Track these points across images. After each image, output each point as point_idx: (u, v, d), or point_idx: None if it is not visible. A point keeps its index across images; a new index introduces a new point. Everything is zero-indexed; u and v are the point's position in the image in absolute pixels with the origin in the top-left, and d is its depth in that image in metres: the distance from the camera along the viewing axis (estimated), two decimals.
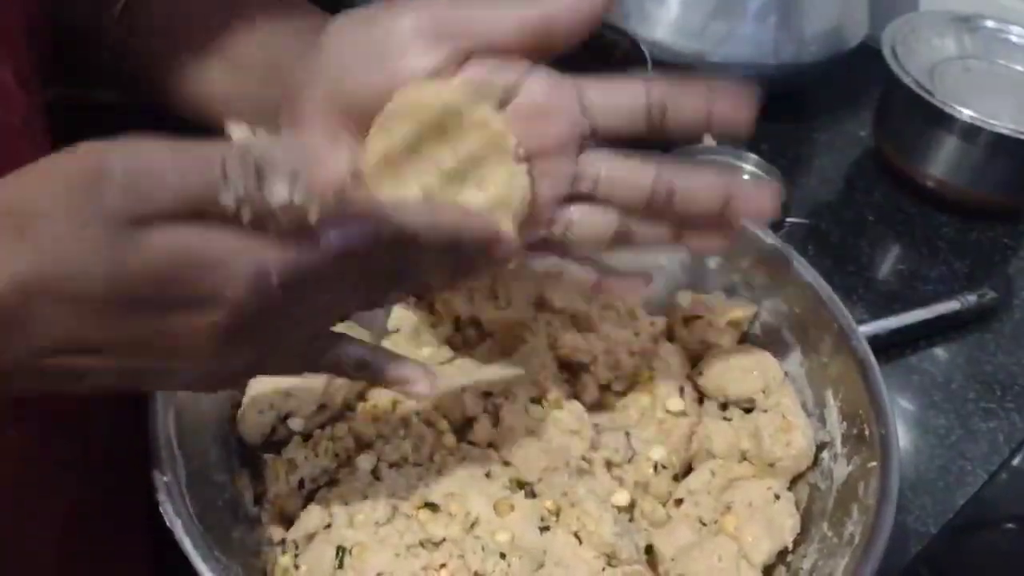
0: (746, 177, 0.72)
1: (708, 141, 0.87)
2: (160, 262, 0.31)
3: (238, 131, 0.32)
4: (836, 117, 0.96)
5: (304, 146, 0.33)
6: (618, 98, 0.43)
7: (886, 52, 0.84)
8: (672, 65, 0.86)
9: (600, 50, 0.87)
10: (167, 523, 0.42)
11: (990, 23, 0.90)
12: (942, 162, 0.84)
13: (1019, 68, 0.87)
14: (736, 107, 0.43)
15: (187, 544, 0.41)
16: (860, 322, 0.67)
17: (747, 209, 0.45)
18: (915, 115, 0.83)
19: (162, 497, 0.43)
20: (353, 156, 0.32)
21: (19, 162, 0.32)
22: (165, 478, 0.44)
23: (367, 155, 0.42)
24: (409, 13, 0.41)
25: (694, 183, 0.44)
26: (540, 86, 0.42)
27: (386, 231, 0.36)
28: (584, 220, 0.44)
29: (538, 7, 0.41)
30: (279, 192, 0.31)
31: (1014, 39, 0.89)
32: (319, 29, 0.43)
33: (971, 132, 0.80)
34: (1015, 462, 0.67)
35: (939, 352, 0.74)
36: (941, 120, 0.81)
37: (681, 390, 0.57)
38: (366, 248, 0.35)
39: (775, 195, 0.45)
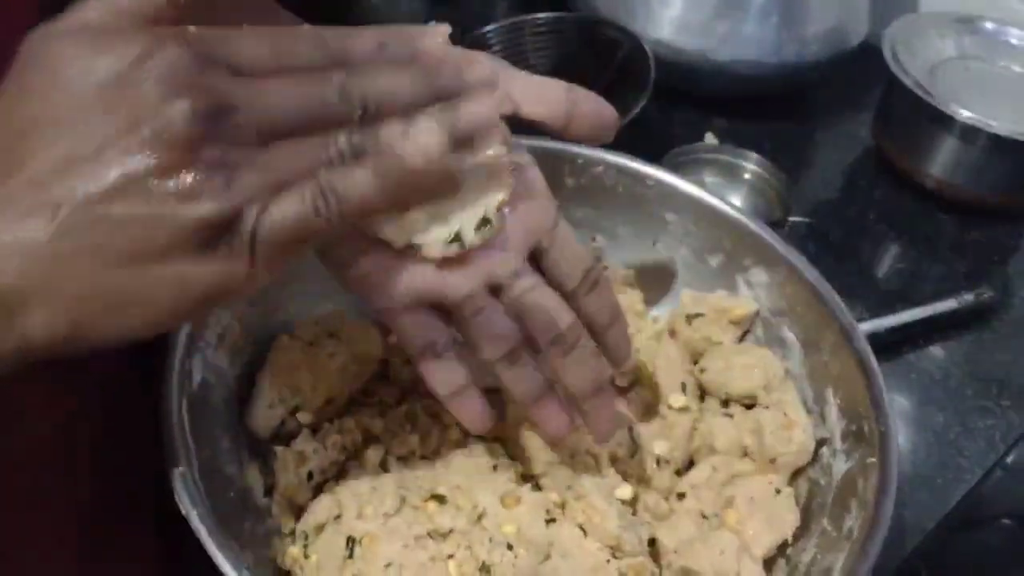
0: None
1: (710, 140, 0.88)
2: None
3: None
4: (837, 116, 0.97)
5: None
6: (574, 247, 0.46)
7: (886, 53, 0.85)
8: (675, 63, 0.87)
9: (603, 48, 0.88)
10: (183, 512, 0.43)
11: (990, 24, 0.91)
12: (941, 162, 0.85)
13: (1018, 69, 0.88)
14: (622, 343, 0.48)
15: (203, 533, 0.42)
16: (860, 320, 0.68)
17: (597, 420, 0.47)
18: (915, 115, 0.84)
19: (178, 487, 0.44)
20: None
21: None
22: (180, 469, 0.45)
23: None
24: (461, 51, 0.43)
25: (589, 355, 0.46)
26: (537, 177, 0.45)
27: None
28: (494, 317, 0.43)
29: (572, 98, 0.44)
30: None
31: (1014, 40, 0.90)
32: None
33: (970, 133, 0.81)
34: (1011, 459, 0.68)
35: (938, 350, 0.75)
36: (941, 121, 0.82)
37: (684, 386, 0.58)
38: None
39: (614, 428, 0.49)
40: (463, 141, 0.38)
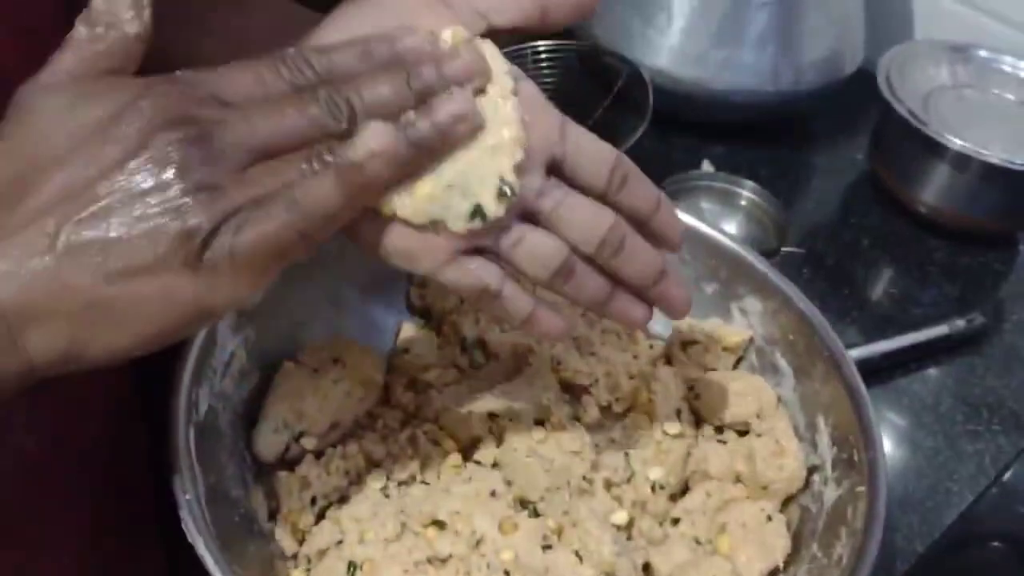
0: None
1: (707, 167, 0.89)
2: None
3: None
4: (833, 142, 0.99)
5: None
6: (592, 148, 0.44)
7: (881, 81, 0.86)
8: (673, 91, 0.89)
9: (602, 76, 0.89)
10: (189, 539, 0.44)
11: (983, 52, 0.92)
12: (935, 188, 0.86)
13: (1011, 97, 0.89)
14: (670, 226, 0.47)
15: (209, 560, 0.43)
16: (853, 345, 0.69)
17: (668, 300, 0.47)
18: (909, 143, 0.85)
19: (184, 514, 0.45)
20: None
21: None
22: (187, 496, 0.46)
23: None
24: None
25: (640, 248, 0.45)
26: (533, 93, 0.43)
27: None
28: (534, 240, 0.43)
29: None
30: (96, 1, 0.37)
31: (1007, 68, 0.91)
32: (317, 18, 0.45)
33: (962, 161, 0.82)
34: (1001, 483, 0.69)
35: (929, 375, 0.76)
36: (934, 148, 0.83)
37: (678, 413, 0.60)
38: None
39: (688, 305, 0.49)
40: (444, 132, 0.39)
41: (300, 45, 0.40)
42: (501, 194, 0.40)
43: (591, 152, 0.44)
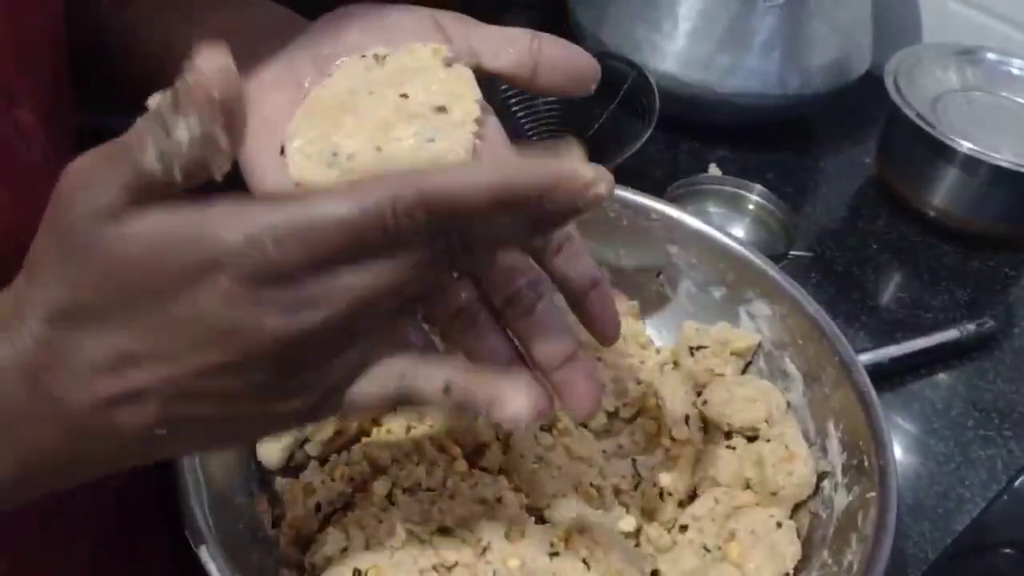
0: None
1: (713, 171, 0.89)
2: (139, 246, 0.31)
3: (153, 100, 0.30)
4: (840, 146, 0.98)
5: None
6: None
7: (889, 84, 0.86)
8: (679, 95, 0.88)
9: (608, 80, 0.89)
10: (193, 547, 0.44)
11: (992, 55, 0.92)
12: (944, 192, 0.85)
13: (1020, 100, 0.89)
14: (606, 313, 0.43)
15: (212, 568, 0.43)
16: (863, 350, 0.69)
17: (571, 390, 0.40)
18: (917, 146, 0.85)
19: (188, 523, 0.45)
20: (222, 50, 0.29)
21: (41, 199, 0.33)
22: (191, 502, 0.45)
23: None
24: (420, 10, 0.42)
25: (553, 319, 0.40)
26: (496, 131, 0.41)
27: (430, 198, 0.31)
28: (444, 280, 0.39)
29: (537, 45, 0.41)
30: (179, 127, 0.29)
31: (1016, 71, 0.91)
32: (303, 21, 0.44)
33: (972, 164, 0.82)
34: (1013, 488, 0.69)
35: (939, 379, 0.76)
36: (942, 152, 0.83)
37: (686, 418, 0.59)
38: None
39: (596, 401, 0.41)
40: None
41: (411, 188, 0.31)
42: None
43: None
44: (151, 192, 0.30)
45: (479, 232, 0.32)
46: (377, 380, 0.35)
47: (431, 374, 0.35)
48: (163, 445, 0.34)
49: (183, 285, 0.30)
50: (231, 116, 0.30)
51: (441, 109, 0.39)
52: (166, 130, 0.29)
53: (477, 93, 0.40)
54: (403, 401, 0.36)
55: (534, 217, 0.32)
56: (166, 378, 0.32)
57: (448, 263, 0.33)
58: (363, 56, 0.42)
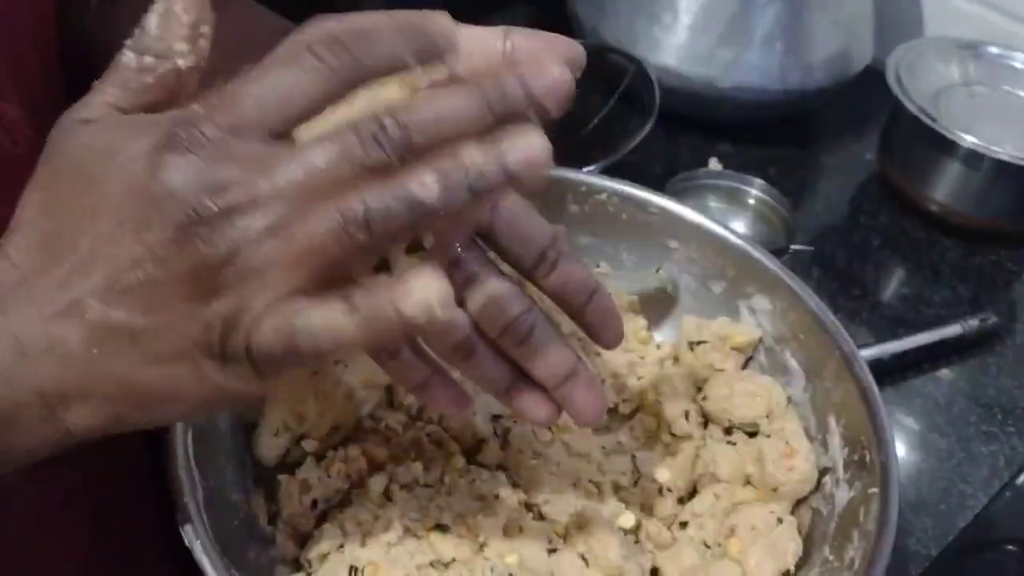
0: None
1: (713, 165, 0.88)
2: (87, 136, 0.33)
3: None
4: (842, 141, 0.98)
5: None
6: (527, 224, 0.42)
7: (890, 78, 0.85)
8: (679, 89, 0.88)
9: (608, 74, 0.88)
10: (186, 543, 0.44)
11: (994, 49, 0.91)
12: (946, 187, 0.85)
13: (1022, 94, 0.89)
14: (608, 322, 0.44)
15: (207, 565, 0.43)
16: (864, 345, 0.68)
17: (574, 404, 0.42)
18: (919, 141, 0.84)
19: (181, 518, 0.44)
20: None
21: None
22: (184, 499, 0.45)
23: None
24: (396, 13, 0.41)
25: (550, 343, 0.41)
26: None
27: None
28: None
29: (510, 44, 0.38)
30: (148, 19, 0.33)
31: (1018, 65, 0.91)
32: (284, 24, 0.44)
33: (974, 158, 0.81)
34: (1016, 484, 0.68)
35: (942, 375, 0.76)
36: (944, 146, 0.82)
37: (686, 414, 0.59)
38: None
39: (599, 411, 0.43)
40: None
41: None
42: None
43: (524, 227, 0.42)
44: (139, 106, 0.33)
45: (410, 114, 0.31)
46: (280, 313, 0.32)
47: (330, 304, 0.33)
48: (96, 381, 0.33)
49: (115, 166, 0.32)
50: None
51: None
52: (141, 28, 0.33)
53: None
54: (308, 342, 0.32)
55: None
56: (102, 281, 0.32)
57: (381, 153, 0.31)
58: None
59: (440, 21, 0.34)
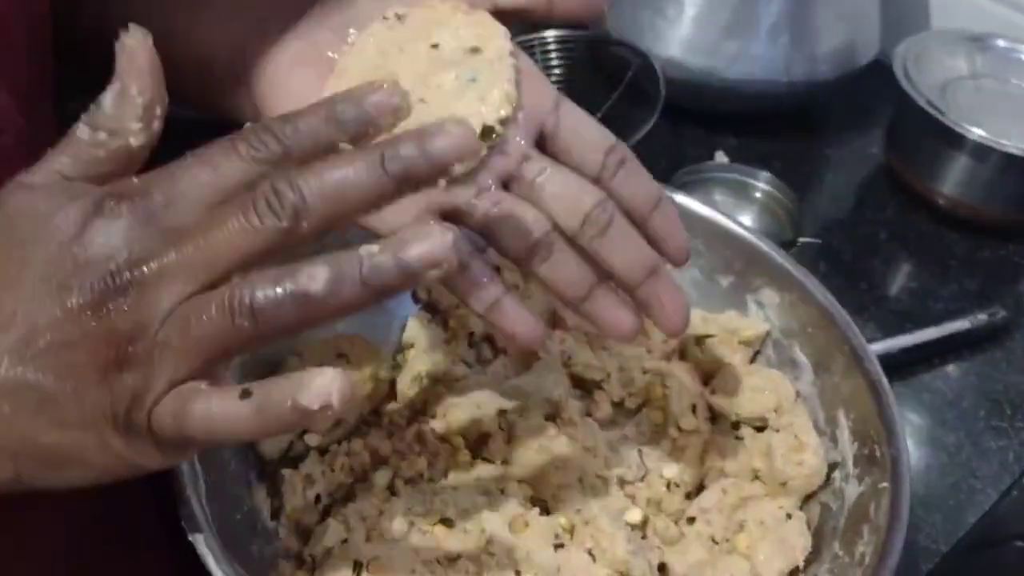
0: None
1: (720, 158, 0.88)
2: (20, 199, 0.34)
3: None
4: (848, 135, 0.97)
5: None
6: (588, 127, 0.42)
7: (897, 71, 0.84)
8: (685, 81, 0.87)
9: (612, 67, 0.88)
10: (189, 537, 0.43)
11: (1002, 42, 0.90)
12: (953, 180, 0.84)
13: None
14: (672, 230, 0.43)
15: (209, 559, 0.42)
16: (871, 340, 0.67)
17: (660, 304, 0.42)
18: (926, 134, 0.84)
19: (184, 511, 0.44)
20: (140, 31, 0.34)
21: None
22: (187, 493, 0.44)
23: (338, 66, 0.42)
24: None
25: (629, 235, 0.41)
26: (528, 65, 0.41)
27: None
28: (512, 208, 0.40)
29: None
30: (105, 97, 0.34)
31: None
32: None
33: (982, 151, 0.81)
34: None
35: (950, 370, 0.75)
36: (952, 139, 0.81)
37: (693, 408, 0.58)
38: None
39: (684, 315, 0.43)
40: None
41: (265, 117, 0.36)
42: (486, 132, 0.38)
43: (585, 131, 0.42)
44: (86, 177, 0.34)
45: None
46: (179, 398, 0.33)
47: (228, 392, 0.33)
48: (2, 437, 0.33)
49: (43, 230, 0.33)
50: (144, 77, 0.34)
51: (475, 50, 0.39)
52: (97, 104, 0.34)
53: (505, 31, 0.41)
54: (203, 427, 0.33)
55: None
56: (19, 339, 0.32)
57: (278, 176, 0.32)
58: (384, 18, 0.42)
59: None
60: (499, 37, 0.40)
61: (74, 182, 0.34)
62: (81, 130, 0.35)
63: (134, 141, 0.35)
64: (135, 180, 0.34)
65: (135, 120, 0.34)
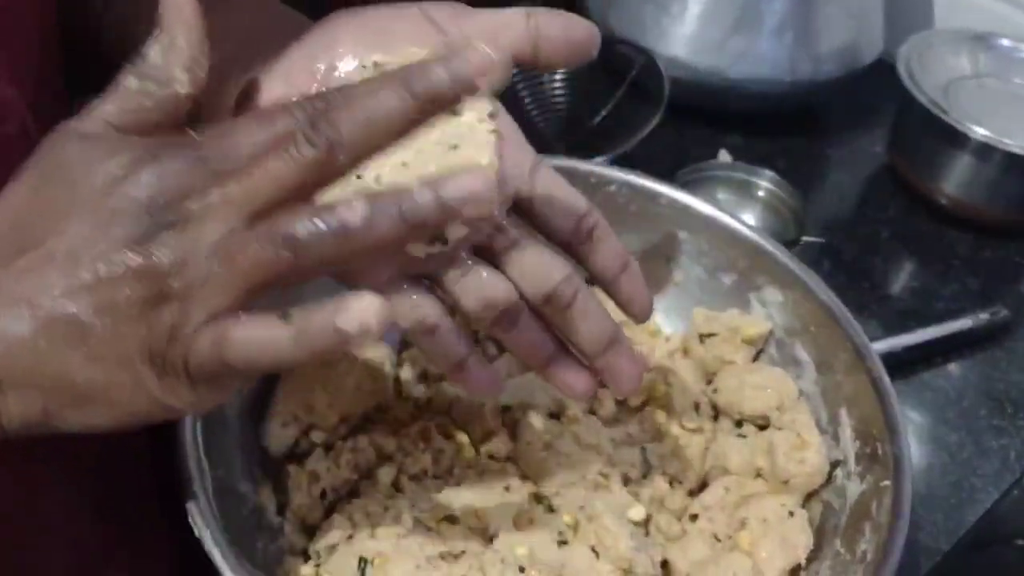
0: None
1: (723, 157, 0.88)
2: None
3: None
4: (851, 134, 0.97)
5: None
6: (563, 193, 0.43)
7: (901, 70, 0.85)
8: (688, 80, 0.87)
9: (616, 65, 0.88)
10: (196, 533, 0.43)
11: (1005, 41, 0.91)
12: (956, 180, 0.84)
13: None
14: (637, 292, 0.45)
15: (216, 555, 0.42)
16: (874, 339, 0.67)
17: (615, 373, 0.44)
18: (929, 133, 0.84)
19: (191, 508, 0.44)
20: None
21: (13, 172, 0.35)
22: (194, 489, 0.45)
23: None
24: (409, 8, 0.42)
25: (591, 309, 0.43)
26: (509, 126, 0.42)
27: None
28: (483, 277, 0.41)
29: (534, 23, 0.41)
30: (151, 48, 0.35)
31: None
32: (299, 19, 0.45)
33: (984, 151, 0.81)
34: None
35: (952, 369, 0.75)
36: (955, 138, 0.82)
37: (696, 406, 0.58)
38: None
39: (638, 383, 0.45)
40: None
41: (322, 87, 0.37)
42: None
43: (561, 198, 0.43)
44: (134, 126, 0.35)
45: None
46: (219, 327, 0.33)
47: (268, 319, 0.33)
48: (36, 373, 0.34)
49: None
50: (190, 29, 0.35)
51: (453, 112, 0.38)
52: (143, 56, 0.35)
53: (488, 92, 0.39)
54: (244, 355, 0.33)
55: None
56: (60, 277, 0.33)
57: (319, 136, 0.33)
58: (362, 67, 0.41)
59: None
60: (481, 96, 0.38)
61: (125, 135, 0.35)
62: (128, 80, 0.35)
63: (181, 90, 0.35)
64: (191, 133, 0.35)
65: (182, 70, 0.35)
